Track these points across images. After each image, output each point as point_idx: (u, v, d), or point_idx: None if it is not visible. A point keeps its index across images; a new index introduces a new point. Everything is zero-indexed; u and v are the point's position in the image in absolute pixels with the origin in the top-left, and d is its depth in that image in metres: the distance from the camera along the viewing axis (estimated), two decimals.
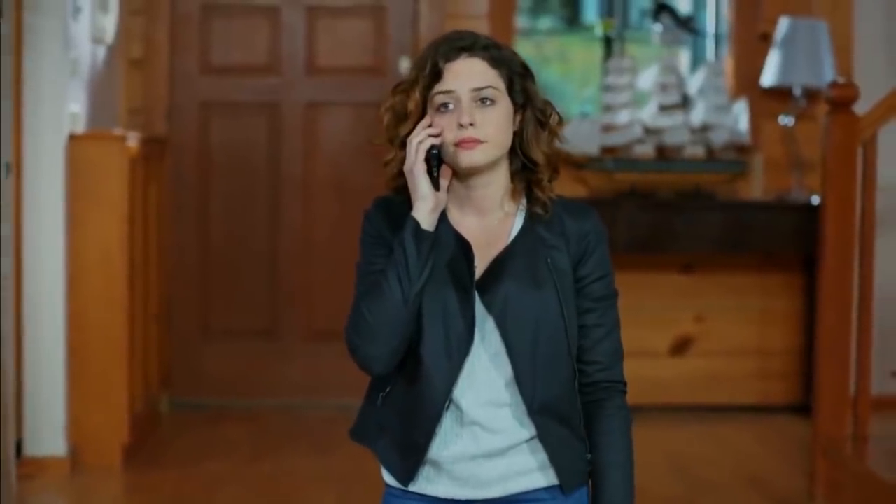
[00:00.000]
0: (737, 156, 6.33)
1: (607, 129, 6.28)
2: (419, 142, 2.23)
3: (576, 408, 2.31)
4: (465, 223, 2.29)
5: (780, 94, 6.31)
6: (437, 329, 2.24)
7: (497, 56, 2.26)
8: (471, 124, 2.22)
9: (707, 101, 6.29)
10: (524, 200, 2.31)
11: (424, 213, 2.22)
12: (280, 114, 6.37)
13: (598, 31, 6.65)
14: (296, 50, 6.36)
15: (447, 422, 2.27)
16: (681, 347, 6.36)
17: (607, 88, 6.34)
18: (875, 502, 4.48)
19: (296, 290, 6.37)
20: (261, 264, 6.36)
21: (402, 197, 2.28)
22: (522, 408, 2.26)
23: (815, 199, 5.87)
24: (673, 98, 6.31)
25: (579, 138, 6.03)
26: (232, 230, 6.37)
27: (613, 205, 6.03)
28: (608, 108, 6.32)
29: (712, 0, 6.72)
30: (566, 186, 5.87)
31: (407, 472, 2.30)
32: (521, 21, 6.82)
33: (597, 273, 2.30)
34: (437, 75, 2.23)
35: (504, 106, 2.25)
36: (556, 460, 2.29)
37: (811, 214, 5.79)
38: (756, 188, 6.31)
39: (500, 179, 2.28)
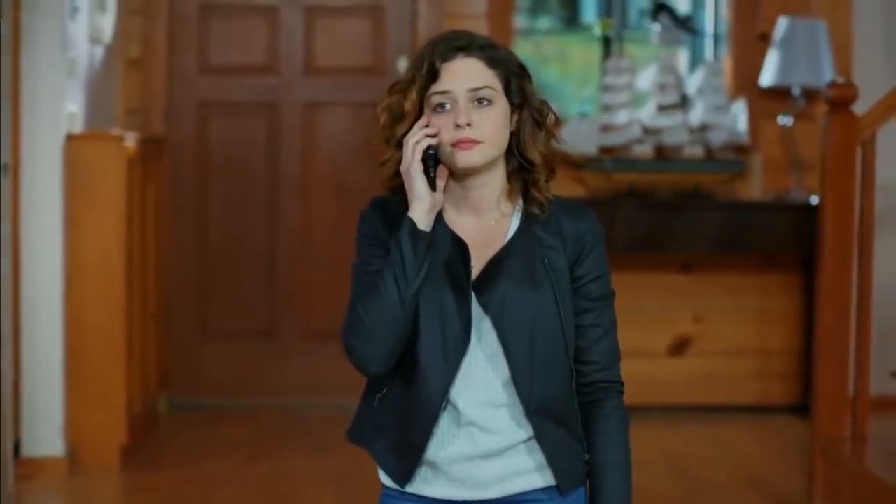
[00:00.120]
0: (735, 156, 6.32)
1: (606, 129, 6.28)
2: (416, 142, 2.22)
3: (573, 408, 2.30)
4: (462, 223, 2.29)
5: (779, 94, 6.30)
6: (433, 329, 2.23)
7: (494, 56, 2.25)
8: (468, 124, 2.22)
9: (706, 101, 6.29)
10: (521, 201, 2.30)
11: (421, 213, 2.22)
12: (278, 114, 6.37)
13: (597, 30, 6.65)
14: (294, 50, 6.36)
15: (444, 422, 2.26)
16: (679, 347, 6.35)
17: (606, 88, 6.34)
18: (874, 502, 4.48)
19: (294, 290, 6.36)
20: (259, 264, 6.36)
21: (398, 197, 2.27)
22: (520, 408, 2.26)
23: (814, 199, 5.86)
24: (672, 98, 6.31)
25: (578, 138, 6.03)
26: (230, 230, 6.36)
27: (612, 205, 6.03)
28: (607, 108, 6.32)
29: (711, 0, 6.72)
30: (565, 186, 5.87)
31: (404, 473, 2.29)
32: (519, 21, 6.81)
33: (594, 273, 2.29)
34: (433, 75, 2.23)
35: (501, 106, 2.25)
36: (554, 461, 2.28)
37: (810, 214, 5.79)
38: (755, 188, 6.31)
39: (496, 180, 2.28)
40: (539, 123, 2.28)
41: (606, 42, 6.61)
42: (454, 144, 2.22)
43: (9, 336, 4.64)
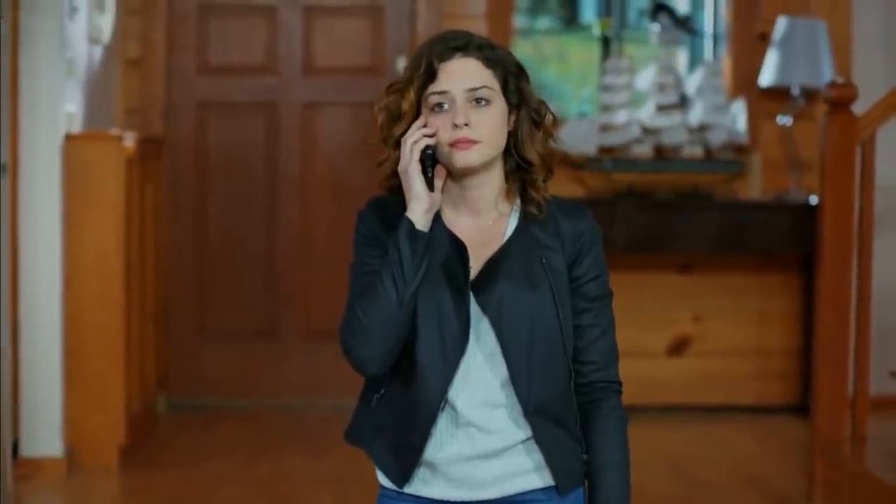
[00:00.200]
0: (735, 156, 6.32)
1: (605, 129, 6.28)
2: (414, 142, 2.22)
3: (571, 408, 2.30)
4: (460, 223, 2.28)
5: (779, 94, 6.30)
6: (431, 330, 2.23)
7: (491, 56, 2.25)
8: (465, 124, 2.21)
9: (705, 100, 6.29)
10: (518, 200, 2.30)
11: (419, 213, 2.22)
12: (277, 114, 6.36)
13: (596, 30, 6.64)
14: (293, 50, 6.36)
15: (442, 423, 2.26)
16: (679, 347, 6.35)
17: (605, 88, 6.33)
18: (874, 503, 4.47)
19: (293, 290, 6.36)
20: (258, 264, 6.36)
21: (395, 197, 2.27)
22: (518, 408, 2.26)
23: (814, 199, 5.86)
24: (671, 98, 6.31)
25: (577, 138, 6.03)
26: (229, 230, 6.36)
27: (611, 205, 6.03)
28: (606, 108, 6.32)
29: (710, 0, 6.71)
30: (564, 186, 5.88)
31: (402, 474, 2.29)
32: (519, 21, 6.82)
33: (592, 273, 2.29)
34: (431, 75, 2.23)
35: (499, 106, 2.25)
36: (552, 461, 2.28)
37: (809, 214, 5.79)
38: (754, 188, 6.30)
39: (494, 180, 2.28)
40: (537, 123, 2.28)
41: (606, 42, 6.61)
42: (452, 144, 2.22)
43: (8, 336, 4.63)
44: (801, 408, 6.13)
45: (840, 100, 4.81)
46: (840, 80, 5.12)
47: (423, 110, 2.24)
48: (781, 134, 6.29)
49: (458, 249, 2.25)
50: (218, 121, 6.35)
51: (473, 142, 2.22)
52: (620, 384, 2.34)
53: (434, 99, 2.23)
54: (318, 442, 5.67)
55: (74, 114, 5.25)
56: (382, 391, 2.30)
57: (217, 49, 6.35)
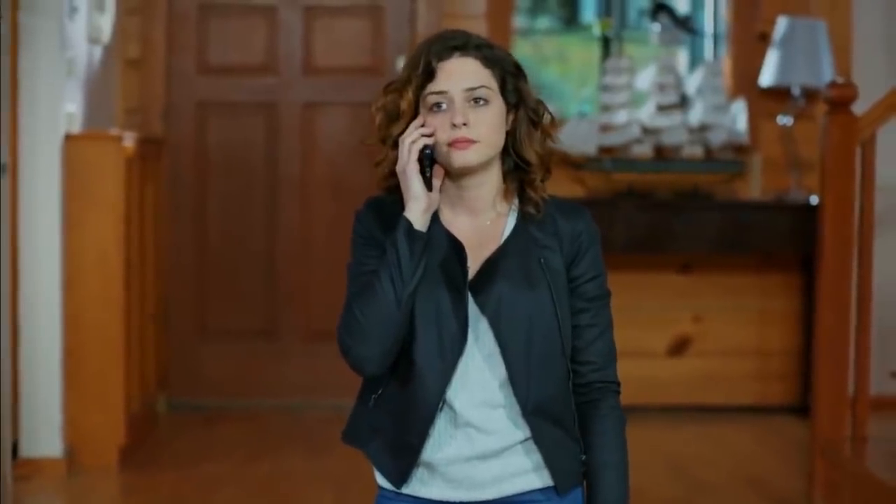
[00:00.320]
0: (735, 156, 6.32)
1: (605, 129, 6.27)
2: (412, 142, 2.22)
3: (570, 408, 2.30)
4: (458, 223, 2.28)
5: (779, 94, 6.30)
6: (430, 330, 2.23)
7: (490, 55, 2.25)
8: (464, 124, 2.21)
9: (705, 100, 6.28)
10: (516, 200, 2.30)
11: (417, 213, 2.21)
12: (277, 114, 6.36)
13: (596, 30, 6.64)
14: (293, 50, 6.36)
15: (441, 423, 2.26)
16: (679, 348, 6.35)
17: (605, 88, 6.33)
18: (874, 503, 4.47)
19: (293, 290, 6.36)
20: (258, 264, 6.35)
21: (393, 197, 2.27)
22: (517, 409, 2.25)
23: (814, 200, 5.86)
24: (671, 98, 6.30)
25: (577, 138, 6.03)
26: (229, 230, 6.36)
27: (611, 205, 6.02)
28: (606, 108, 6.32)
29: (710, 0, 6.71)
30: (564, 186, 5.87)
31: (400, 474, 2.29)
32: (519, 21, 6.81)
33: (590, 273, 2.29)
34: (429, 75, 2.22)
35: (497, 106, 2.24)
36: (551, 461, 2.28)
37: (810, 214, 5.78)
38: (754, 188, 6.30)
39: (492, 179, 2.27)
40: (535, 123, 2.28)
41: (606, 42, 6.61)
42: (450, 144, 2.22)
43: (7, 336, 4.63)
44: (801, 408, 6.13)
45: (840, 100, 4.81)
46: (840, 80, 5.12)
47: (422, 110, 2.24)
48: (781, 134, 6.29)
49: (457, 249, 2.25)
50: (218, 121, 6.35)
51: (472, 141, 2.22)
52: (619, 384, 2.34)
53: (432, 98, 2.23)
54: (318, 442, 5.67)
55: (74, 114, 5.25)
56: (380, 391, 2.29)
57: (217, 49, 6.35)
